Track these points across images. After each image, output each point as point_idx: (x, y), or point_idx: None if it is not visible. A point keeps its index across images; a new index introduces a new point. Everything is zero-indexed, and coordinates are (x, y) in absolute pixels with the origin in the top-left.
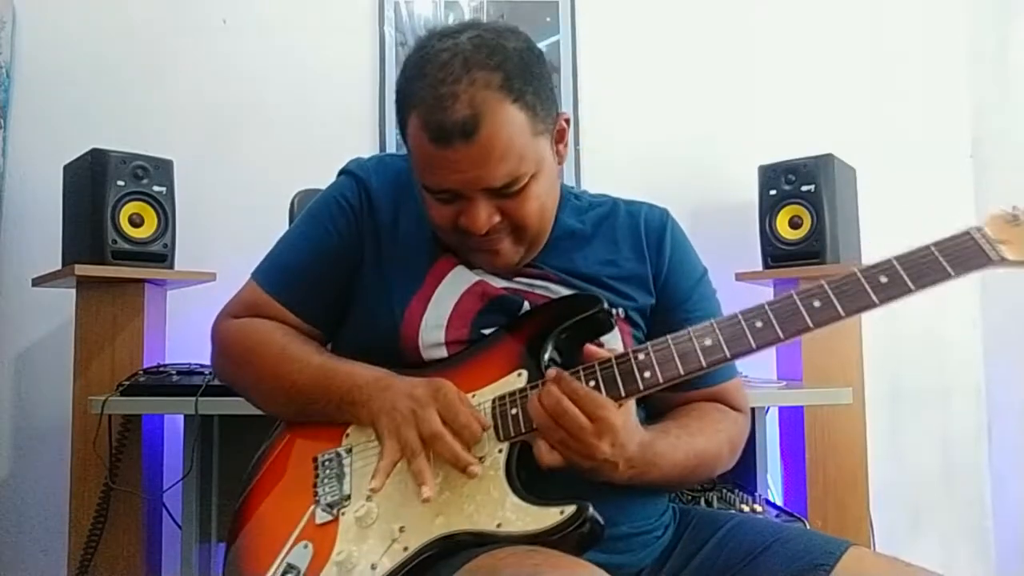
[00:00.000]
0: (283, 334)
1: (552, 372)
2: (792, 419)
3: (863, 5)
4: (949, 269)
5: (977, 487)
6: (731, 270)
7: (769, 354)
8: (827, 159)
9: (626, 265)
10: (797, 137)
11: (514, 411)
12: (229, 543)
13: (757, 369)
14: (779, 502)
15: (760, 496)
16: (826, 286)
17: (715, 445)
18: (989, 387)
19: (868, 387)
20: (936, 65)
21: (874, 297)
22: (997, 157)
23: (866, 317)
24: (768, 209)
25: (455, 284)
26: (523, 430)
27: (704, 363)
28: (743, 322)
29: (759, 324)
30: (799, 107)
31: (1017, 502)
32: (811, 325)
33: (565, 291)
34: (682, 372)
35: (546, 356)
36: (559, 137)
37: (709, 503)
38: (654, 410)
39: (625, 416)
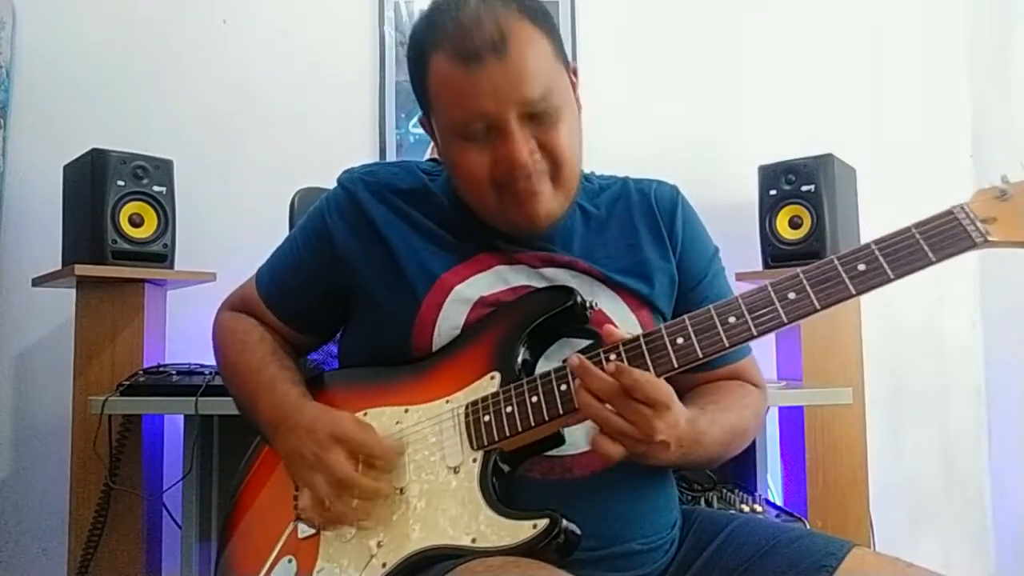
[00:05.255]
0: (258, 338)
1: (612, 367)
2: (792, 419)
3: (863, 5)
4: (931, 255)
5: (977, 487)
6: (731, 270)
7: (769, 354)
8: (827, 159)
9: (646, 248)
10: (797, 137)
11: (487, 418)
12: (219, 553)
13: None
14: (779, 502)
15: (760, 496)
16: (802, 277)
17: (744, 420)
18: (989, 387)
19: (868, 387)
20: (936, 65)
21: (852, 288)
22: (997, 157)
23: (866, 317)
24: (768, 209)
25: (473, 290)
26: (496, 438)
27: (700, 354)
28: (716, 318)
29: (732, 320)
30: (799, 107)
31: (1017, 502)
32: (786, 320)
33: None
34: (676, 365)
35: (519, 357)
36: (571, 87)
37: (709, 503)
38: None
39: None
